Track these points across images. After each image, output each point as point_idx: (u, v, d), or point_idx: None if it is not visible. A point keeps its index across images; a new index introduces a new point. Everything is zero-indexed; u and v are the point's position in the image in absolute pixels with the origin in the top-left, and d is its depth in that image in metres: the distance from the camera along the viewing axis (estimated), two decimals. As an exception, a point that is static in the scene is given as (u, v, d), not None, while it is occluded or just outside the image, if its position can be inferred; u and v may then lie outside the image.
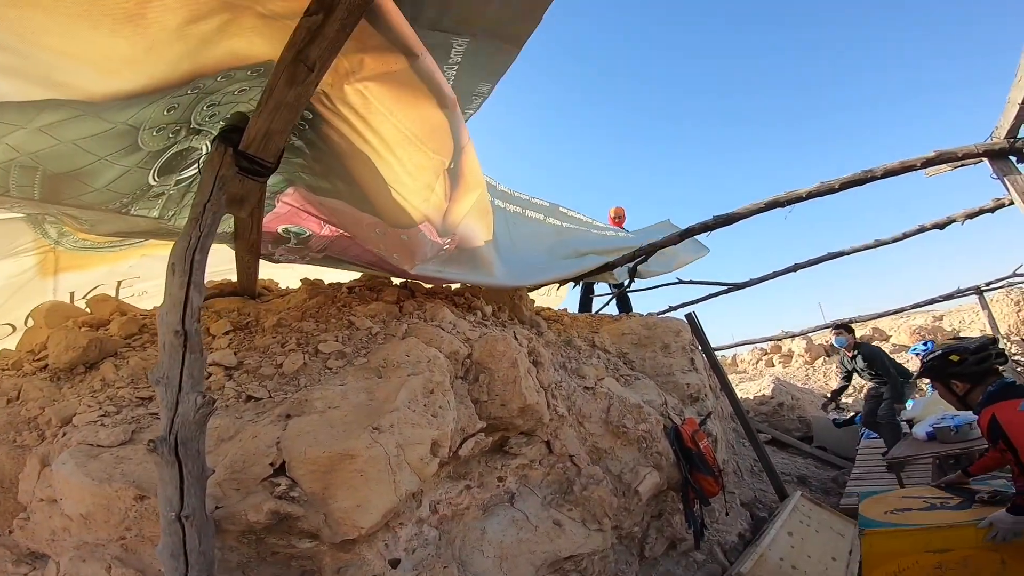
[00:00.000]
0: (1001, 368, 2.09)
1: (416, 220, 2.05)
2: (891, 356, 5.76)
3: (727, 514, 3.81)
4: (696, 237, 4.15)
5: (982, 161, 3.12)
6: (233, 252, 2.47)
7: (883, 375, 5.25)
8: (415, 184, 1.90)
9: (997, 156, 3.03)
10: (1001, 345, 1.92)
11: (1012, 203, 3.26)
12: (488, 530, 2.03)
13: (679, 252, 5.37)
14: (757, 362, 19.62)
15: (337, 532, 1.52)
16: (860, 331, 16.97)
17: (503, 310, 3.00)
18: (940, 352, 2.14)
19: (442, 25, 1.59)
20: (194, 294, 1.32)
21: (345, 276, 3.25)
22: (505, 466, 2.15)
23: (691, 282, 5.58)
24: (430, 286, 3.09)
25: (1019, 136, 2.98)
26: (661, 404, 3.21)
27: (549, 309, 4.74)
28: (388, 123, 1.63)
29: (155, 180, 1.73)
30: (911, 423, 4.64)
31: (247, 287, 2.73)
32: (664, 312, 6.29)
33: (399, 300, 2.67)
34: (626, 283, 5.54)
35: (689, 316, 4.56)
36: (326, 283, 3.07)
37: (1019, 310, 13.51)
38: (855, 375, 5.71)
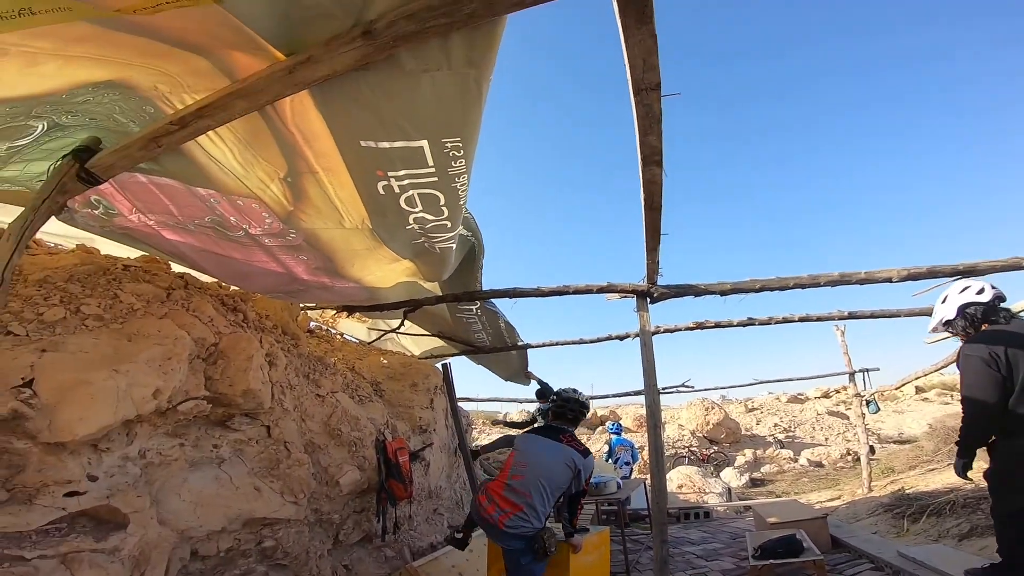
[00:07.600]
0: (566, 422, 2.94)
1: (252, 194, 2.14)
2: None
3: (427, 523, 4.39)
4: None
5: (633, 296, 4.08)
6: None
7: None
8: (246, 173, 2.02)
9: (640, 295, 4.06)
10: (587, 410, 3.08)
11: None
12: (191, 480, 2.34)
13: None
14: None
15: (55, 434, 1.82)
16: (601, 411, 21.08)
17: (268, 318, 3.37)
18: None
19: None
20: (16, 257, 1.79)
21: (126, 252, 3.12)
22: (223, 436, 2.52)
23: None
24: (207, 279, 3.19)
25: (655, 283, 3.92)
26: (383, 424, 3.76)
27: (327, 331, 5.18)
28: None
29: None
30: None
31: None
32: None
33: (169, 287, 2.84)
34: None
35: (444, 367, 5.18)
36: (102, 253, 3.04)
37: (706, 414, 18.68)
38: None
